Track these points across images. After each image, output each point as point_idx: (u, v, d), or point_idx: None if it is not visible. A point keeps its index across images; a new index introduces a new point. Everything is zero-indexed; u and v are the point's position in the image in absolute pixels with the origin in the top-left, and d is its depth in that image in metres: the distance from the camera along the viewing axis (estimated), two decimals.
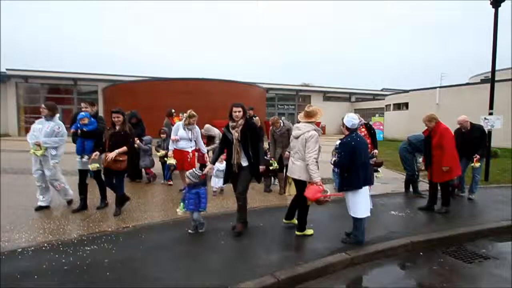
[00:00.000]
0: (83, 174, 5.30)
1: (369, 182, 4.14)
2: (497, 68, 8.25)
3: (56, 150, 5.16)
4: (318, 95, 34.64)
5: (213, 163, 4.71)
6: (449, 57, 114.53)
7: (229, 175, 4.47)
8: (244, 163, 4.29)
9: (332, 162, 4.65)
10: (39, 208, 5.20)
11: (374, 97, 36.41)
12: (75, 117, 5.47)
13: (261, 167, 4.44)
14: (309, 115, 4.31)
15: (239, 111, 4.22)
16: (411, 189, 6.73)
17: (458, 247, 4.26)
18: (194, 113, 6.05)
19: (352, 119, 4.13)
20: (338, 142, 4.71)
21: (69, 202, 5.50)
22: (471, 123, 6.26)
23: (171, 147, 6.07)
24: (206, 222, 4.39)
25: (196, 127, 6.22)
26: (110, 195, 5.36)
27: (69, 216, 5.02)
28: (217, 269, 3.33)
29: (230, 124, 4.31)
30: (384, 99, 30.35)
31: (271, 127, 6.39)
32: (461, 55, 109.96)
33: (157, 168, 7.83)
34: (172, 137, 6.07)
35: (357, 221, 4.05)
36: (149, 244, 3.86)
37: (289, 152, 5.69)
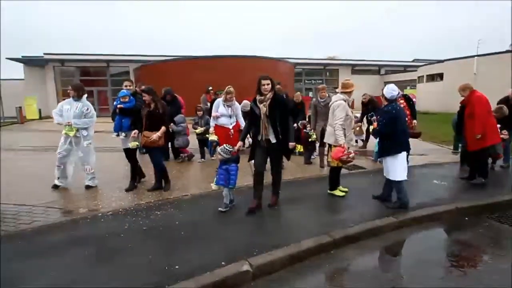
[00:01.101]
0: (129, 152, 5.29)
1: (407, 148, 4.37)
2: None
3: (87, 131, 5.19)
4: (346, 68, 33.71)
5: (243, 140, 4.41)
6: (484, 23, 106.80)
7: (254, 152, 4.27)
8: (273, 139, 4.07)
9: (371, 132, 4.85)
10: (56, 187, 5.22)
11: (405, 68, 35.01)
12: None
13: (291, 144, 4.20)
14: (345, 86, 4.74)
15: (268, 84, 4.02)
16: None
17: (503, 212, 4.37)
18: (231, 89, 6.03)
19: (392, 90, 4.31)
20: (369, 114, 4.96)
21: (88, 186, 5.29)
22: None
23: (212, 123, 6.13)
24: (236, 199, 4.39)
25: (236, 103, 6.29)
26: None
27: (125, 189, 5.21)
28: (276, 231, 3.67)
29: (258, 98, 4.11)
30: (416, 70, 29.16)
31: (313, 98, 6.55)
32: (498, 21, 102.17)
33: (193, 145, 7.76)
34: (213, 113, 6.10)
35: (398, 184, 4.28)
36: (209, 210, 4.25)
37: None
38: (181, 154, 7.43)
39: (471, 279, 2.89)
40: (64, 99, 5.65)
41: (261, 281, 2.85)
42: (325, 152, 6.48)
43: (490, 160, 6.35)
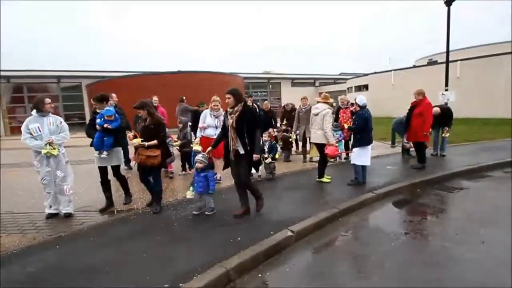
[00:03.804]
0: (103, 171, 4.72)
1: (371, 142, 5.64)
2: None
3: (62, 148, 4.48)
4: (287, 81, 36.08)
5: (214, 147, 4.29)
6: (392, 43, 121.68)
7: (228, 161, 4.24)
8: (241, 150, 4.01)
9: (347, 128, 5.97)
10: (50, 216, 4.44)
11: (335, 81, 38.58)
12: (94, 111, 4.77)
13: (255, 156, 4.01)
14: (326, 98, 5.82)
15: (229, 98, 3.97)
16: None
17: (442, 184, 5.76)
18: (217, 98, 5.80)
19: (364, 99, 5.61)
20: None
21: (68, 215, 4.46)
22: (440, 106, 7.77)
23: (199, 134, 5.91)
24: (216, 206, 4.35)
25: (223, 114, 6.69)
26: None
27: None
28: (296, 208, 4.46)
29: (228, 110, 4.08)
30: (345, 82, 32.42)
31: (298, 106, 7.47)
32: (403, 42, 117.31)
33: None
34: (200, 125, 5.88)
35: (360, 167, 5.50)
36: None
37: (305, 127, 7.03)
38: (167, 170, 6.68)
39: (433, 222, 4.04)
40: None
41: (301, 241, 3.63)
42: (307, 150, 7.50)
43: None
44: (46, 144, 4.18)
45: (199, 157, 4.26)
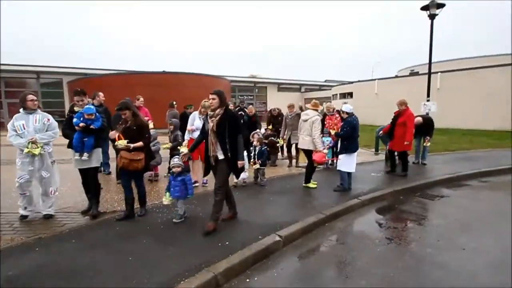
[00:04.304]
0: (84, 172, 4.41)
1: (357, 148, 5.76)
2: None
3: (49, 146, 4.28)
4: (273, 86, 36.33)
5: (191, 150, 4.15)
6: (373, 52, 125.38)
7: (208, 167, 4.02)
8: (220, 156, 3.78)
9: (334, 134, 6.01)
10: (24, 217, 4.24)
11: (320, 87, 39.19)
12: (71, 110, 4.39)
13: (240, 163, 3.81)
14: (316, 105, 5.88)
15: (213, 99, 3.74)
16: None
17: (423, 192, 5.94)
18: (207, 104, 5.40)
19: (350, 107, 5.76)
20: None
21: (48, 217, 4.29)
22: (422, 116, 8.05)
23: (187, 136, 5.85)
24: (187, 210, 4.30)
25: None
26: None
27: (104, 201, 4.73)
28: (284, 213, 4.49)
29: (209, 113, 3.87)
30: (330, 89, 32.98)
31: (285, 112, 7.52)
32: (384, 51, 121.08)
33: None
34: (189, 127, 5.84)
35: (346, 174, 5.59)
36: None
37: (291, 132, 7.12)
38: (151, 172, 6.45)
39: (416, 229, 4.16)
40: None
41: (289, 246, 3.65)
42: (293, 156, 7.56)
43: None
44: (28, 143, 4.00)
45: (175, 161, 4.09)
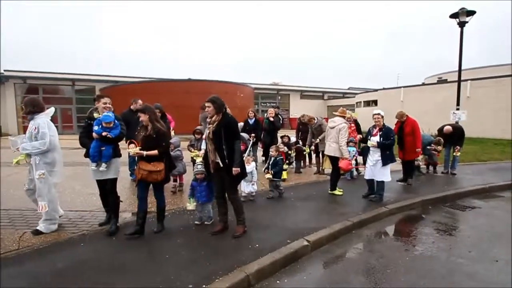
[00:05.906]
0: (102, 184, 4.14)
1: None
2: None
3: (40, 158, 3.80)
4: (296, 93, 36.30)
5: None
6: (401, 61, 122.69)
7: (209, 174, 4.00)
8: (220, 163, 3.74)
9: (376, 143, 5.51)
10: (37, 233, 3.85)
11: (344, 95, 38.72)
12: (90, 117, 4.12)
13: (234, 169, 3.68)
14: (343, 112, 5.94)
15: (208, 106, 3.71)
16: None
17: (453, 202, 5.79)
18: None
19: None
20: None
21: (36, 232, 3.84)
22: (452, 125, 7.92)
23: (204, 145, 5.22)
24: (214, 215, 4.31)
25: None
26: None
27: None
28: (311, 219, 4.55)
29: (208, 120, 3.86)
30: (353, 96, 32.57)
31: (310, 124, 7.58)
32: (411, 59, 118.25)
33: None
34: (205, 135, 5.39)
35: (383, 184, 5.51)
36: None
37: (319, 140, 7.14)
38: (174, 183, 6.06)
39: (446, 239, 4.09)
40: (24, 116, 4.53)
41: (316, 251, 3.71)
42: (319, 161, 7.61)
43: (431, 168, 8.04)
44: (14, 151, 3.84)
45: (199, 167, 4.17)
